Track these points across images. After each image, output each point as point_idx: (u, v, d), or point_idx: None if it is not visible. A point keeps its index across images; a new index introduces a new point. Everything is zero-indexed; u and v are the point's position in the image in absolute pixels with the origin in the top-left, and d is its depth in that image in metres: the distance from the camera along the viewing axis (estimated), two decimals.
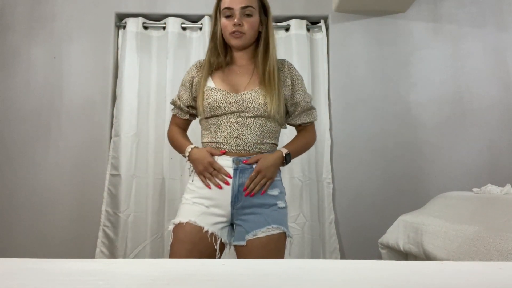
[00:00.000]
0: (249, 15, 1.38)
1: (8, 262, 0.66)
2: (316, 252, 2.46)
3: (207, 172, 1.35)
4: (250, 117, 1.35)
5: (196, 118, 1.54)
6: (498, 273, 0.62)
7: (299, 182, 2.50)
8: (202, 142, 1.46)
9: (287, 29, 2.66)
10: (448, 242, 1.52)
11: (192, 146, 1.43)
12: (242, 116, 1.35)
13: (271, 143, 1.42)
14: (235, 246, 1.34)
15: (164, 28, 2.64)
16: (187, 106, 1.49)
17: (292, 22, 2.63)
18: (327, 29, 2.68)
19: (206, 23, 2.59)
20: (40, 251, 2.42)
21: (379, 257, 2.12)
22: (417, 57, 2.66)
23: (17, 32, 2.59)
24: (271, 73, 1.37)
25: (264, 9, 1.45)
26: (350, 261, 0.71)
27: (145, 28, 2.65)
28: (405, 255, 1.95)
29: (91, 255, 2.39)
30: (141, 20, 2.61)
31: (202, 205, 1.35)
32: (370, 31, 2.67)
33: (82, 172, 2.50)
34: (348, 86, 2.62)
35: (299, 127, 1.55)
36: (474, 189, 1.92)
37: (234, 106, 1.35)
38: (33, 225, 2.45)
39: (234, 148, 1.35)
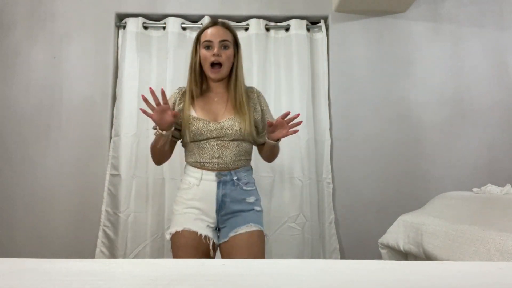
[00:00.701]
0: (226, 47, 1.60)
1: (8, 262, 0.66)
2: (316, 252, 2.46)
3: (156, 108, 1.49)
4: (228, 140, 1.58)
5: (179, 140, 1.70)
6: (498, 273, 0.62)
7: (299, 182, 2.49)
8: (187, 162, 1.65)
9: (287, 29, 2.66)
10: (448, 242, 1.52)
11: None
12: (221, 140, 1.58)
13: (246, 159, 1.65)
14: (219, 245, 1.55)
15: (164, 28, 2.64)
16: None
17: (292, 22, 2.63)
18: (327, 29, 2.68)
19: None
20: (40, 251, 2.42)
21: (379, 257, 2.12)
22: (417, 57, 2.66)
23: (17, 32, 2.59)
24: (241, 102, 1.60)
25: (236, 44, 1.65)
26: (350, 261, 0.71)
27: (145, 28, 2.65)
28: (405, 255, 1.95)
29: (91, 255, 2.39)
30: (141, 20, 2.61)
31: (193, 213, 1.55)
32: (370, 31, 2.67)
33: (82, 172, 2.50)
34: (348, 86, 2.62)
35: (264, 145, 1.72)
36: (474, 189, 1.92)
37: (215, 133, 1.57)
38: (33, 225, 2.45)
39: (216, 166, 1.57)
